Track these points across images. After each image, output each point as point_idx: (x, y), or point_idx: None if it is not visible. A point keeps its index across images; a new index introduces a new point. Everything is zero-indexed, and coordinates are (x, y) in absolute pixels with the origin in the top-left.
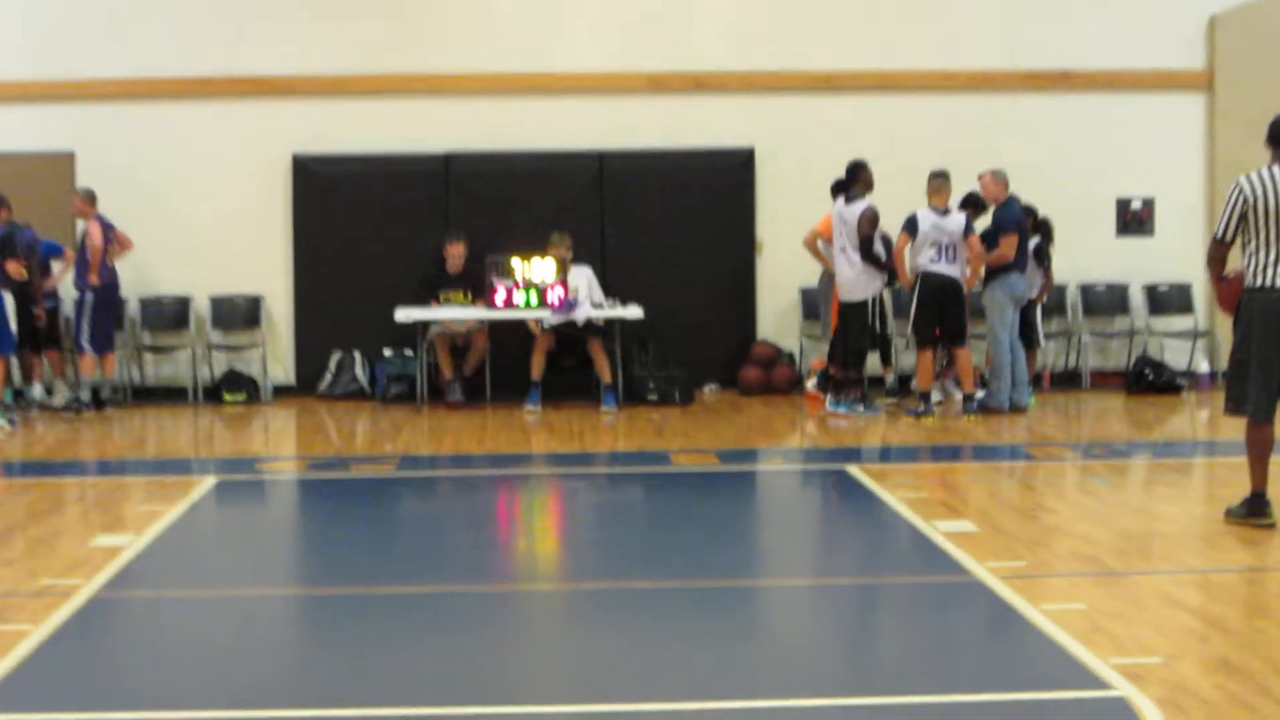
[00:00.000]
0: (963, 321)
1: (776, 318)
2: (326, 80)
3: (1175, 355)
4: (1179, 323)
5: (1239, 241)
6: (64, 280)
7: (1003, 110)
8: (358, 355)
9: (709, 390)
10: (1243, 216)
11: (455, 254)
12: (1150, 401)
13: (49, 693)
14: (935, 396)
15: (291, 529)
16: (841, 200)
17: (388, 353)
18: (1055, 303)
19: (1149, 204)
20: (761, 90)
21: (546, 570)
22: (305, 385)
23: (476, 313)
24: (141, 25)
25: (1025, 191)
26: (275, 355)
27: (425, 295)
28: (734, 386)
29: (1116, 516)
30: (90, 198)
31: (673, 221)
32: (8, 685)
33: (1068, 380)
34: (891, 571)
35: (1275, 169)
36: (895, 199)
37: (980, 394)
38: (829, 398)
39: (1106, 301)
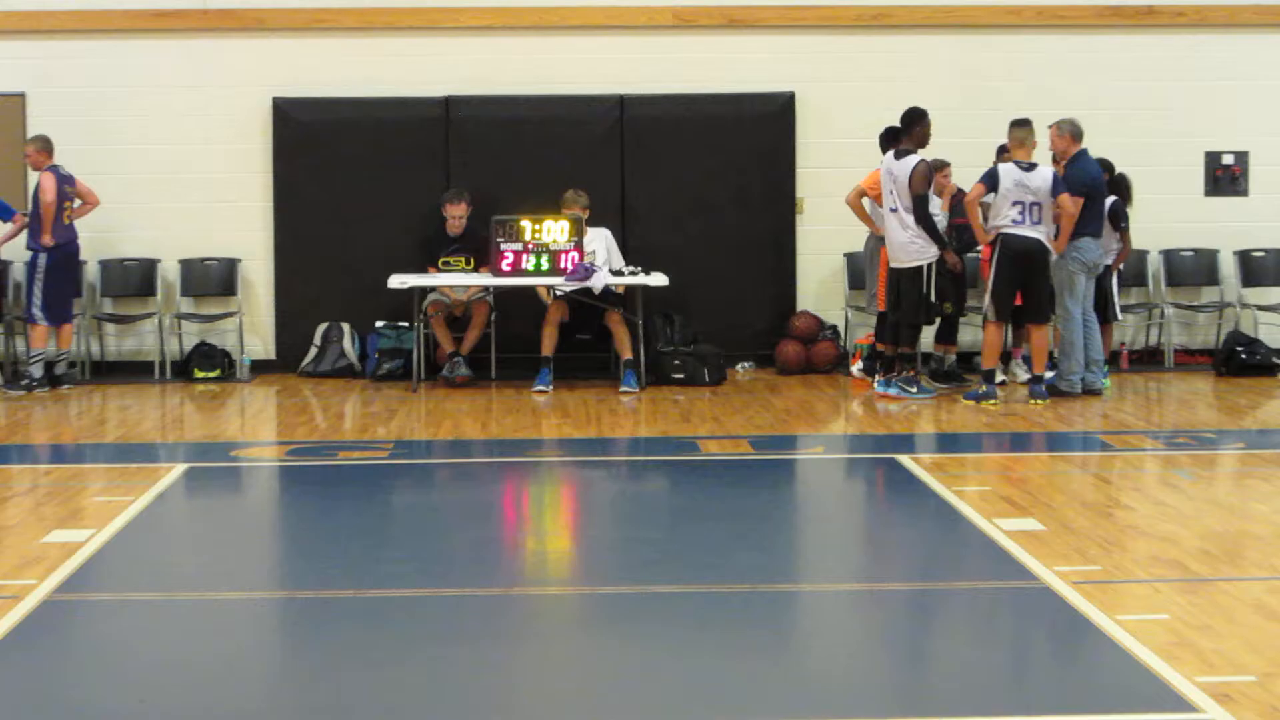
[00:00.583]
0: (1047, 294)
1: (818, 286)
2: (310, 13)
3: (1271, 332)
4: (1276, 294)
5: None
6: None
7: (1077, 51)
8: (346, 328)
9: (742, 369)
10: None
11: (456, 214)
12: (1242, 384)
13: None
14: (998, 377)
15: (270, 524)
16: (891, 155)
17: (380, 325)
18: (1134, 271)
19: (1242, 159)
20: (803, 27)
21: (558, 572)
22: (287, 361)
23: (480, 280)
24: None
25: (1099, 146)
26: (253, 327)
27: (423, 260)
28: (770, 365)
29: (1203, 515)
30: (46, 146)
31: (702, 176)
32: None
33: (1149, 359)
34: (947, 575)
35: None
36: (951, 152)
37: (1049, 375)
38: (878, 378)
39: (1193, 270)
